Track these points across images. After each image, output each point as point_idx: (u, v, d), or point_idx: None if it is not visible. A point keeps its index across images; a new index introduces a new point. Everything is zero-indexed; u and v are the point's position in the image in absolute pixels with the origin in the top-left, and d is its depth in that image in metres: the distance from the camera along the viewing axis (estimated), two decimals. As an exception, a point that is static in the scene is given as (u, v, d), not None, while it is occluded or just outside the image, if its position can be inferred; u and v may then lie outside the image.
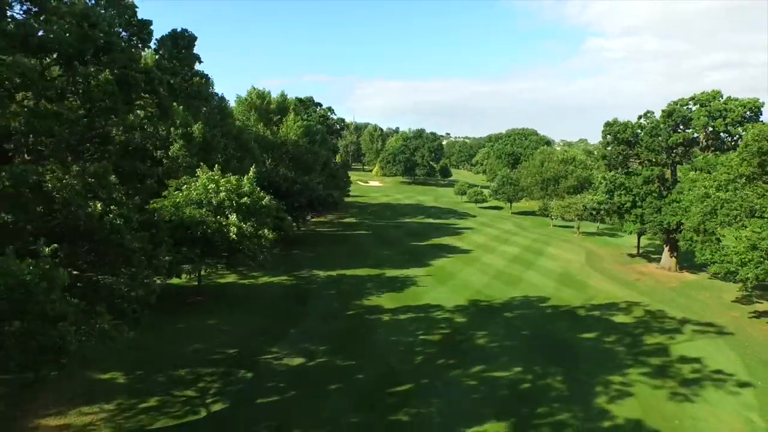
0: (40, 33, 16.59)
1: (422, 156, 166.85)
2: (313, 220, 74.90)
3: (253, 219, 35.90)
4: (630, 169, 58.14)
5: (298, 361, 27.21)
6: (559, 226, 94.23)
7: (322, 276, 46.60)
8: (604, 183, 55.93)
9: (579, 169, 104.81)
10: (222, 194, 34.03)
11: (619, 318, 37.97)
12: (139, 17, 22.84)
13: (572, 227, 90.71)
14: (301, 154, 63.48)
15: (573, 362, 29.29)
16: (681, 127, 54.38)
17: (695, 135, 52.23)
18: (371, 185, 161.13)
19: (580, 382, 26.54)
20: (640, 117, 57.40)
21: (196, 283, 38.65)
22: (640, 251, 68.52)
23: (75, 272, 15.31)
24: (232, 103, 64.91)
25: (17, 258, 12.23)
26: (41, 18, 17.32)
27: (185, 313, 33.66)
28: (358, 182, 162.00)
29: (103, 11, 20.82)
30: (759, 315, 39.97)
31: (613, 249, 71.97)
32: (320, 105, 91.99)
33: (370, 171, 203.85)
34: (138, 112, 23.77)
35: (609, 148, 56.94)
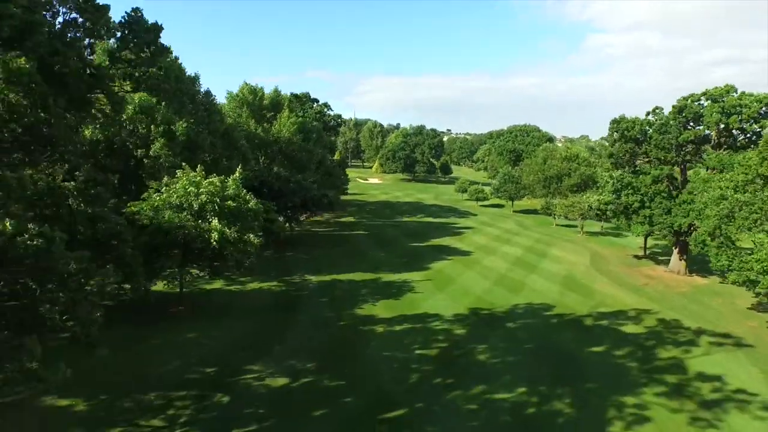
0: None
1: (422, 153, 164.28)
2: (310, 219, 72.55)
3: (238, 223, 33.51)
4: (637, 168, 55.71)
5: (281, 381, 24.88)
6: (562, 225, 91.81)
7: (314, 281, 44.25)
8: (611, 182, 53.41)
9: (582, 167, 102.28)
10: (203, 197, 31.62)
11: (629, 328, 35.60)
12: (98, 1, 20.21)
13: (575, 226, 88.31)
14: (294, 152, 61.03)
15: (581, 380, 26.98)
16: (691, 123, 51.93)
17: (707, 132, 49.70)
18: (370, 183, 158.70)
19: (590, 405, 24.24)
20: (648, 113, 54.94)
21: (178, 291, 36.26)
22: (647, 252, 66.18)
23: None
24: (223, 100, 62.61)
25: None
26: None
27: (164, 325, 31.32)
28: (358, 179, 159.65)
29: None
30: (777, 324, 37.66)
31: (618, 250, 69.53)
32: (317, 101, 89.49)
33: (370, 168, 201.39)
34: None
35: (616, 146, 54.41)
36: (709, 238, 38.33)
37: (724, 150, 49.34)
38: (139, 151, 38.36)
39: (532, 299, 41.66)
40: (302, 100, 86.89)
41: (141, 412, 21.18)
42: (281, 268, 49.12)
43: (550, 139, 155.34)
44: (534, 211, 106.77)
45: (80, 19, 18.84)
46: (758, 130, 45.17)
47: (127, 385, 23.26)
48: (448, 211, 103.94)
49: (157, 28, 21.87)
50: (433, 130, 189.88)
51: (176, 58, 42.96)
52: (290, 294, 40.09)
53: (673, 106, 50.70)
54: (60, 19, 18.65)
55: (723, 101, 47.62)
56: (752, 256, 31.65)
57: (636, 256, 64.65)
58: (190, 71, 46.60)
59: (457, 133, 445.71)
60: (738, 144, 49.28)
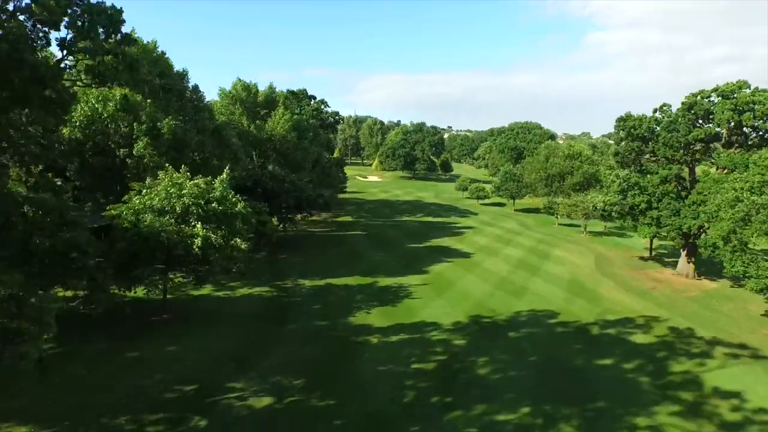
0: None
1: (422, 150, 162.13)
2: (307, 219, 70.57)
3: (224, 227, 31.59)
4: (643, 167, 53.70)
5: (266, 401, 22.97)
6: (565, 225, 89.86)
7: (307, 286, 42.34)
8: (617, 182, 51.40)
9: (585, 165, 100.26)
10: (185, 199, 29.65)
11: (638, 338, 33.68)
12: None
13: (578, 226, 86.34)
14: (289, 151, 59.03)
15: (589, 398, 25.07)
16: (700, 121, 49.92)
17: (717, 130, 47.65)
18: (370, 180, 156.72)
19: (599, 428, 22.33)
20: (655, 110, 52.97)
21: (162, 298, 34.32)
22: (653, 254, 64.22)
23: None
24: (215, 97, 60.60)
25: None
26: None
27: (144, 336, 29.40)
28: (357, 177, 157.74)
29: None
30: (794, 333, 35.73)
31: (623, 251, 67.55)
32: (314, 98, 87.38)
33: (370, 165, 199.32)
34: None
35: (622, 145, 52.40)
36: (722, 243, 36.34)
37: (735, 149, 47.34)
38: (121, 150, 36.46)
39: (536, 305, 39.74)
40: (299, 97, 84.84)
41: (108, 440, 19.31)
42: (274, 271, 47.22)
43: (552, 137, 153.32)
44: (536, 210, 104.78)
45: (33, 6, 16.89)
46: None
47: (95, 407, 21.34)
48: (449, 210, 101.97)
49: (117, 13, 19.85)
50: (433, 127, 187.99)
51: (163, 53, 41.01)
52: (281, 300, 38.18)
53: (683, 103, 48.69)
54: (11, 5, 16.71)
55: (735, 98, 45.58)
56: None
57: (642, 258, 62.70)
58: (183, 68, 44.57)
59: (458, 130, 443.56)
60: (750, 142, 47.28)
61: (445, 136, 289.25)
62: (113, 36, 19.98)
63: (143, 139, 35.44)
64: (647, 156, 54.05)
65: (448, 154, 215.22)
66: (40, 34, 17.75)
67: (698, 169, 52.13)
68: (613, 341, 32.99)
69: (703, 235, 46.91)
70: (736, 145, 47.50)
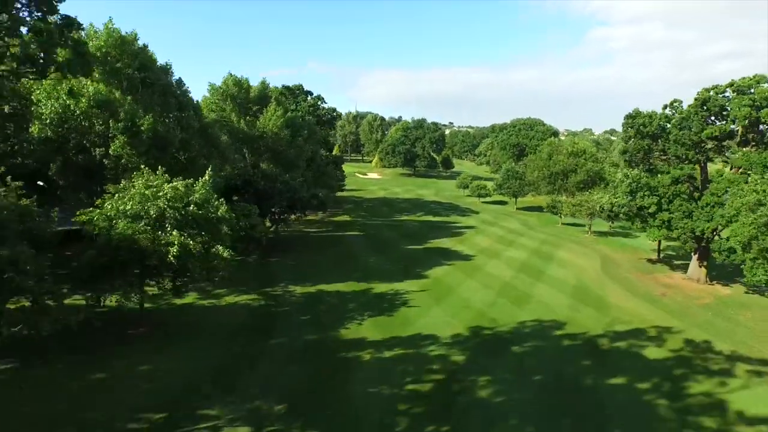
0: None
1: (423, 147, 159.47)
2: (303, 219, 68.09)
3: (205, 234, 29.22)
4: (653, 166, 51.16)
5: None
6: (568, 224, 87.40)
7: (297, 293, 39.95)
8: (625, 182, 48.85)
9: (589, 163, 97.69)
10: (160, 203, 27.21)
11: (652, 352, 31.27)
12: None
13: (582, 225, 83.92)
14: (282, 149, 56.54)
15: (601, 424, 22.76)
16: (712, 117, 47.32)
17: (733, 127, 45.06)
18: (370, 178, 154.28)
19: (615, 463, 19.97)
20: (665, 107, 50.39)
21: (139, 309, 31.92)
22: (661, 255, 61.80)
23: None
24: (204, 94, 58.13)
25: None
26: None
27: (114, 352, 27.03)
28: (356, 175, 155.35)
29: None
30: (818, 346, 33.29)
31: (630, 253, 65.10)
32: (310, 93, 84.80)
33: (370, 162, 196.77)
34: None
35: (630, 143, 49.85)
36: (741, 249, 33.85)
37: (751, 147, 44.80)
38: (97, 150, 34.05)
39: (540, 314, 37.34)
40: (294, 93, 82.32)
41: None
42: (264, 276, 44.85)
43: (555, 133, 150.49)
44: (538, 209, 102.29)
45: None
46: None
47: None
48: (449, 208, 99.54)
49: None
50: (434, 123, 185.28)
51: (145, 46, 38.47)
52: (269, 310, 35.78)
53: (695, 99, 46.08)
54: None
55: (751, 93, 43.01)
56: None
57: (650, 260, 60.27)
58: (167, 62, 42.07)
59: (459, 126, 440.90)
60: (766, 140, 44.69)
61: (446, 132, 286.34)
62: (45, 14, 17.49)
63: (120, 138, 33.03)
64: (656, 155, 51.54)
65: (449, 150, 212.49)
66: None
67: (710, 168, 49.61)
68: (624, 356, 30.58)
69: (716, 238, 44.47)
70: (753, 143, 44.94)
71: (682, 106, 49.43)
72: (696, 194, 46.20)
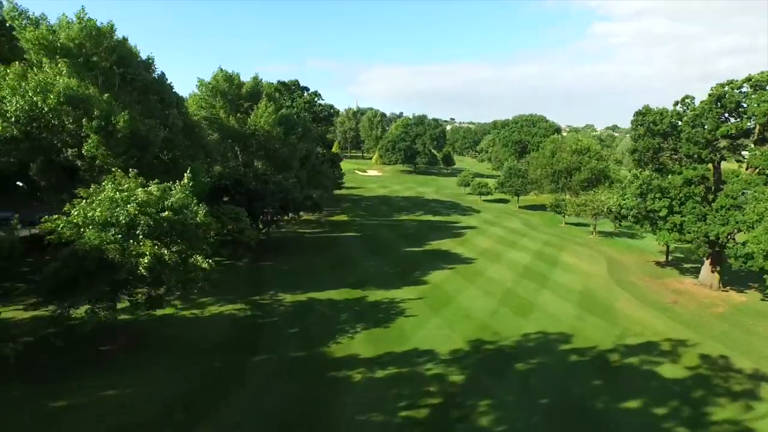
0: None
1: (424, 144, 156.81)
2: (296, 220, 65.72)
3: (181, 242, 26.86)
4: (662, 166, 48.65)
5: (213, 471, 18.34)
6: (572, 224, 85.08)
7: (287, 302, 37.61)
8: (635, 183, 46.33)
9: (593, 161, 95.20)
10: (131, 209, 24.82)
11: (667, 369, 28.92)
12: None
13: (586, 225, 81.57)
14: (274, 148, 54.09)
15: (616, 458, 20.41)
16: (726, 115, 44.78)
17: (750, 125, 42.50)
18: (369, 175, 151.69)
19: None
20: (676, 103, 47.85)
21: (119, 321, 29.57)
22: (669, 258, 59.37)
23: None
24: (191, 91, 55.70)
25: None
26: None
27: (80, 374, 24.70)
28: (356, 172, 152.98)
29: None
30: None
31: (636, 255, 62.69)
32: (306, 89, 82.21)
33: (370, 159, 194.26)
34: None
35: (640, 142, 47.31)
36: (763, 258, 31.43)
37: (768, 146, 42.28)
38: (69, 150, 31.67)
39: (545, 326, 34.98)
40: (290, 89, 79.78)
41: None
42: (253, 282, 42.54)
43: (558, 130, 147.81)
44: (541, 207, 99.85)
45: None
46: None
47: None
48: (450, 207, 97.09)
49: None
50: (435, 120, 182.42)
51: (125, 39, 35.98)
52: (255, 322, 33.43)
53: (710, 95, 43.51)
54: None
55: (770, 89, 40.49)
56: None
57: (658, 263, 57.86)
58: (149, 56, 39.54)
59: (460, 122, 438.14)
60: (784, 139, 42.20)
61: (448, 128, 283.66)
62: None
63: (93, 138, 30.60)
64: (666, 154, 49.04)
65: (450, 147, 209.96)
66: None
67: (723, 168, 47.10)
68: (637, 374, 28.23)
69: (731, 242, 42.02)
70: (770, 142, 42.44)
71: (694, 103, 46.92)
72: (710, 196, 43.69)
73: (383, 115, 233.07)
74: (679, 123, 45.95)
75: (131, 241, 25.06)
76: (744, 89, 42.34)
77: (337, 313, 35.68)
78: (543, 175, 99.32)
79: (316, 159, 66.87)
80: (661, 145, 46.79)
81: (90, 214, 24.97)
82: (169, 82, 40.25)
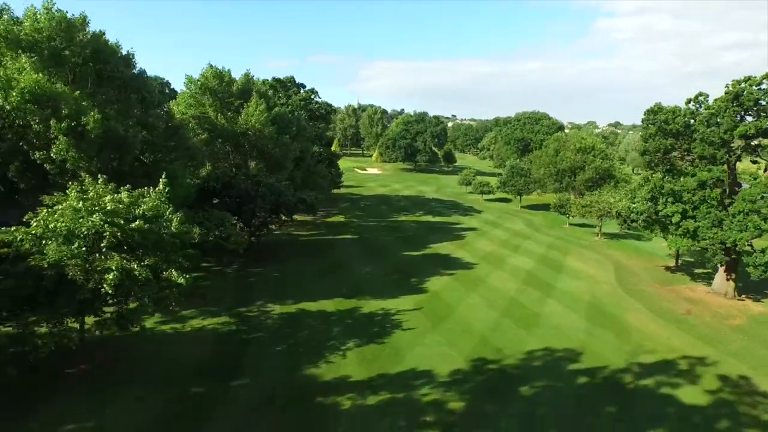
0: None
1: (424, 141, 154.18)
2: (295, 221, 63.19)
3: (153, 255, 24.48)
4: (674, 167, 46.12)
5: None
6: (576, 225, 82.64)
7: (275, 314, 35.21)
8: (645, 187, 43.82)
9: (598, 160, 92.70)
10: (96, 219, 22.39)
11: (686, 393, 26.48)
12: None
13: (591, 226, 79.10)
14: (266, 148, 51.61)
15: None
16: (742, 113, 42.20)
17: (769, 125, 39.89)
18: (369, 173, 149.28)
19: None
20: (688, 101, 45.28)
21: (92, 335, 27.21)
22: (679, 262, 56.89)
23: None
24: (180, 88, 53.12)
25: None
26: None
27: (42, 402, 22.36)
28: (356, 170, 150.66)
29: None
30: None
31: (645, 260, 60.23)
32: (303, 86, 79.67)
33: (370, 156, 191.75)
34: None
35: (651, 142, 44.76)
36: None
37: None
38: (37, 153, 29.23)
39: (552, 341, 32.54)
40: (286, 85, 77.22)
41: None
42: (241, 291, 40.15)
43: (561, 128, 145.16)
44: (544, 207, 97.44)
45: None
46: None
47: None
48: (451, 207, 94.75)
49: None
50: (436, 117, 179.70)
51: (101, 33, 33.48)
52: (238, 339, 31.02)
53: (726, 92, 40.94)
54: None
55: (792, 85, 37.95)
56: None
57: (668, 269, 55.40)
58: (129, 51, 36.91)
59: (462, 119, 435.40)
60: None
61: (449, 125, 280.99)
62: None
63: (62, 139, 28.18)
64: (677, 154, 46.51)
65: (451, 144, 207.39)
66: None
67: (739, 170, 44.58)
68: (653, 399, 25.80)
69: (749, 249, 39.52)
70: (790, 142, 39.96)
71: (707, 101, 44.37)
72: (726, 200, 41.17)
73: (384, 112, 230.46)
74: (692, 122, 43.40)
75: (96, 255, 22.70)
76: (763, 86, 39.77)
77: (328, 327, 33.29)
78: (546, 175, 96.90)
79: (312, 159, 64.36)
80: (674, 145, 44.24)
81: (51, 225, 22.60)
82: (150, 80, 37.71)
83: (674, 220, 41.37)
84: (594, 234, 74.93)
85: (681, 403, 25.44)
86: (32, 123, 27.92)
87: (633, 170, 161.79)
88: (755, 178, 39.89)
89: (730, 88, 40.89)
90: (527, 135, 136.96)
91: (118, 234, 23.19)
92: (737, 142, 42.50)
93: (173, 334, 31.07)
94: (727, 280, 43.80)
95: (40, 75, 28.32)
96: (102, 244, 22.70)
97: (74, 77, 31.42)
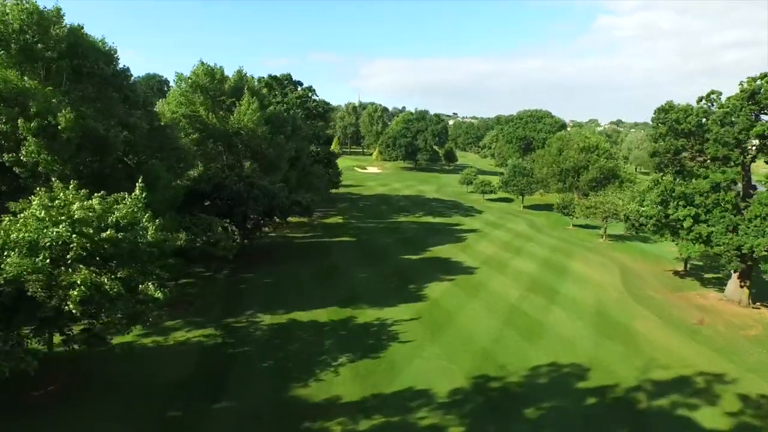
0: None
1: (425, 140, 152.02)
2: (290, 223, 61.28)
3: (126, 267, 22.55)
4: (682, 168, 44.15)
5: None
6: (580, 226, 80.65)
7: (265, 325, 33.29)
8: (655, 190, 41.80)
9: (602, 159, 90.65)
10: (61, 229, 20.46)
11: (704, 416, 24.51)
12: None
13: (595, 227, 77.16)
14: (260, 148, 49.64)
15: None
16: (757, 112, 40.18)
17: (787, 124, 37.88)
18: (369, 172, 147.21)
19: None
20: (700, 99, 43.25)
21: (65, 352, 25.29)
22: (688, 266, 54.90)
23: None
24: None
25: None
26: None
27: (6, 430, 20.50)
28: (356, 169, 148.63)
29: None
30: None
31: (651, 263, 58.31)
32: (300, 84, 77.69)
33: (371, 155, 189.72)
34: None
35: (661, 143, 42.72)
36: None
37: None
38: (5, 156, 27.29)
39: (558, 355, 30.58)
40: (282, 83, 75.21)
41: None
42: (230, 299, 38.23)
43: (563, 126, 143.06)
44: (547, 207, 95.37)
45: None
46: None
47: None
48: (452, 207, 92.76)
49: None
50: (437, 115, 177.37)
51: (79, 27, 31.48)
52: (225, 353, 29.07)
53: (741, 90, 38.92)
54: None
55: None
56: None
57: (676, 273, 53.47)
58: (111, 46, 34.89)
59: (463, 117, 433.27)
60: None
61: (450, 122, 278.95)
62: None
63: (31, 140, 26.25)
64: (687, 154, 44.51)
65: (452, 142, 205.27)
66: None
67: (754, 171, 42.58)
68: (669, 423, 23.87)
69: (765, 254, 37.54)
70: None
71: (720, 99, 42.35)
72: (741, 204, 39.16)
73: (385, 109, 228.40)
74: (705, 121, 41.37)
75: (62, 268, 20.77)
76: (781, 83, 37.71)
77: (320, 340, 31.36)
78: (549, 174, 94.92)
79: (308, 159, 62.38)
80: (685, 145, 42.22)
81: (14, 236, 20.67)
82: (134, 78, 35.77)
83: (686, 224, 39.37)
84: (598, 236, 72.98)
85: (700, 427, 23.51)
86: (-1, 122, 25.97)
87: (635, 169, 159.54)
88: (771, 180, 37.87)
89: (745, 86, 38.88)
90: (529, 133, 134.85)
91: (88, 245, 21.25)
92: (752, 143, 40.53)
93: (154, 348, 29.15)
94: (741, 286, 41.82)
95: (11, 71, 26.41)
96: (68, 256, 20.75)
97: (48, 73, 29.44)
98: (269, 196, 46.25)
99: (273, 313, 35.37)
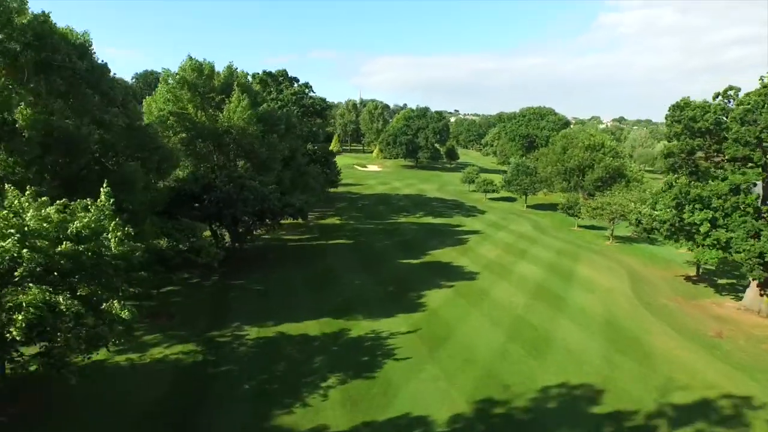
0: None
1: (426, 138, 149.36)
2: (285, 224, 58.83)
3: (88, 284, 20.13)
4: (696, 169, 41.62)
5: None
6: (585, 227, 78.04)
7: (249, 339, 30.86)
8: (669, 193, 39.23)
9: (608, 158, 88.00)
10: (7, 243, 18.03)
11: (732, 447, 22.05)
12: None
13: (601, 228, 74.56)
14: (251, 147, 47.13)
15: None
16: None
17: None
18: (369, 170, 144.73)
19: None
20: (716, 95, 40.67)
21: (25, 372, 22.93)
22: (700, 271, 52.31)
23: None
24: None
25: None
26: None
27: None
28: (355, 167, 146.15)
29: None
30: None
31: (662, 267, 55.76)
32: (296, 80, 75.08)
33: (371, 153, 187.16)
34: None
35: (676, 142, 40.14)
36: None
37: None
38: (-39, 157, 24.89)
39: (567, 373, 28.08)
40: (277, 80, 72.61)
41: None
42: (216, 309, 35.80)
43: (567, 123, 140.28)
44: (551, 207, 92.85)
45: None
46: None
47: None
48: (453, 207, 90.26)
49: None
50: (438, 112, 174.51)
51: (45, 16, 28.97)
52: (204, 372, 26.65)
53: (763, 85, 36.33)
54: None
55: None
56: None
57: (688, 278, 50.90)
58: (85, 36, 32.47)
59: (465, 114, 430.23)
60: None
61: (452, 120, 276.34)
62: None
63: (-13, 141, 23.87)
64: (701, 154, 41.97)
65: (454, 140, 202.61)
66: None
67: None
68: (694, 456, 21.40)
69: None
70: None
71: (738, 95, 39.76)
72: (763, 207, 36.57)
73: (386, 107, 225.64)
74: (723, 119, 38.79)
75: (8, 287, 18.34)
76: (806, 78, 35.12)
77: (309, 357, 28.92)
78: (553, 173, 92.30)
79: (303, 158, 59.88)
80: (701, 145, 39.66)
81: (-43, 249, 18.23)
82: (113, 73, 33.35)
83: (702, 229, 36.83)
84: (605, 237, 70.43)
85: (729, 462, 21.01)
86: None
87: (640, 167, 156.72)
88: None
89: (766, 81, 36.23)
90: (532, 131, 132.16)
91: (41, 260, 18.80)
92: (770, 141, 37.92)
93: (127, 368, 26.72)
94: (761, 295, 39.28)
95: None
96: (16, 274, 18.30)
97: (12, 68, 26.97)
98: (260, 197, 43.80)
99: (261, 325, 32.94)
